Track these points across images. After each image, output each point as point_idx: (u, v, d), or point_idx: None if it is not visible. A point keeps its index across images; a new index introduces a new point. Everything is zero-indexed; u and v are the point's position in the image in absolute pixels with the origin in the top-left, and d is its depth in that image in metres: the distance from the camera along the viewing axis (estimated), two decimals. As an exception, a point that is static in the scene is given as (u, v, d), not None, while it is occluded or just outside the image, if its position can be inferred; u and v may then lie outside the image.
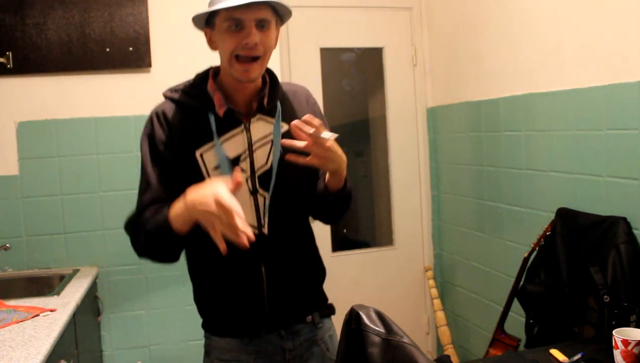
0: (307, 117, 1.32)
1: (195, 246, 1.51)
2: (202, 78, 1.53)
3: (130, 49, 2.86)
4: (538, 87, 2.46)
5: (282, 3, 1.40)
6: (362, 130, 3.59)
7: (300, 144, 1.33)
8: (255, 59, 1.40)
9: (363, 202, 3.58)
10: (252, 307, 1.49)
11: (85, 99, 2.86)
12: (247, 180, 1.46)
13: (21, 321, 1.96)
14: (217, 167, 1.43)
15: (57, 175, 2.83)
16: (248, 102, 1.49)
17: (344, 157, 1.42)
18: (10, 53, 2.73)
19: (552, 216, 2.30)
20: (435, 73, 3.40)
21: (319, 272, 1.62)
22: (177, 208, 1.31)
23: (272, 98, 1.51)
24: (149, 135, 1.47)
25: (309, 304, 1.58)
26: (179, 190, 1.35)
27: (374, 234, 3.66)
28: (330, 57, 3.37)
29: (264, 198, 1.47)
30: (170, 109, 1.48)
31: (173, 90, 1.52)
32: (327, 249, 3.27)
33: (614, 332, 1.61)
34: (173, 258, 1.44)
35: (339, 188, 1.47)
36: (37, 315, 2.02)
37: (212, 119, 1.45)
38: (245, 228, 1.18)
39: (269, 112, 1.49)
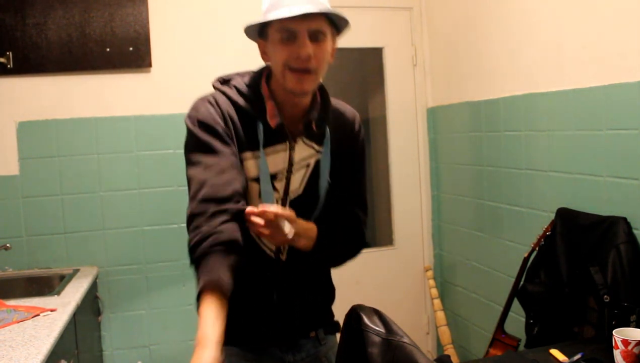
0: (261, 211, 1.23)
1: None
2: (258, 80, 1.42)
3: (131, 49, 2.86)
4: (538, 87, 2.46)
5: (337, 14, 1.32)
6: (362, 130, 3.59)
7: (259, 222, 1.24)
8: (308, 70, 1.32)
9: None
10: (257, 325, 1.47)
11: (86, 99, 2.86)
12: (276, 201, 1.39)
13: (21, 321, 1.96)
14: (255, 180, 1.36)
15: (57, 175, 2.83)
16: (295, 119, 1.41)
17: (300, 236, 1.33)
18: (11, 53, 2.73)
19: (552, 216, 2.30)
20: (435, 73, 3.40)
21: (330, 294, 1.60)
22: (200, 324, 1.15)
23: (322, 123, 1.42)
24: (205, 118, 1.33)
25: (315, 322, 1.55)
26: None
27: (374, 234, 3.66)
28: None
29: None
30: (223, 102, 1.37)
31: (225, 83, 1.42)
32: (327, 249, 3.27)
33: (614, 332, 1.61)
34: None
35: (308, 250, 1.39)
36: (38, 315, 2.02)
37: (260, 128, 1.36)
38: None
39: (314, 137, 1.42)
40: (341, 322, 1.41)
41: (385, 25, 3.40)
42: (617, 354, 1.59)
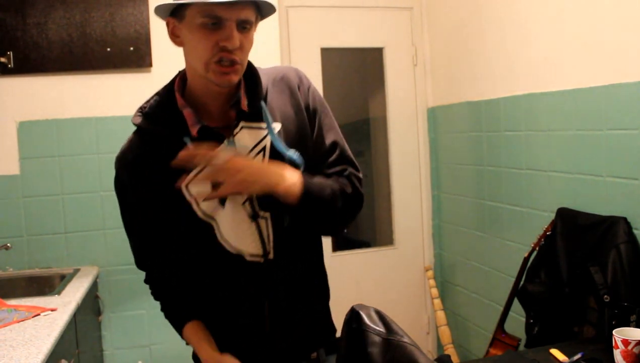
0: (183, 154, 1.16)
1: (190, 280, 1.39)
2: (169, 93, 1.29)
3: (131, 48, 2.86)
4: (538, 87, 2.46)
5: (268, 1, 1.19)
6: (362, 130, 3.59)
7: (205, 192, 1.20)
8: (233, 63, 1.18)
9: (363, 202, 3.57)
10: (251, 347, 1.34)
11: (86, 98, 2.86)
12: (244, 205, 1.26)
13: (22, 320, 1.96)
14: (207, 198, 1.24)
15: (57, 174, 2.84)
16: (224, 109, 1.26)
17: (275, 173, 1.20)
18: (11, 53, 2.74)
19: (553, 216, 2.31)
20: (436, 73, 3.40)
21: (326, 296, 1.45)
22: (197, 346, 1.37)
23: (253, 99, 1.26)
24: (120, 190, 1.40)
25: (315, 338, 1.41)
26: (172, 234, 1.30)
27: (375, 234, 3.66)
28: (331, 57, 3.37)
29: (266, 220, 1.27)
30: (137, 146, 1.29)
31: (139, 113, 1.30)
32: (328, 249, 3.27)
33: (614, 332, 1.61)
34: None
35: (296, 203, 1.22)
36: (38, 314, 2.02)
37: (189, 143, 1.22)
38: None
39: (253, 117, 1.26)
40: (341, 322, 1.35)
41: (386, 25, 3.40)
42: (617, 354, 1.59)
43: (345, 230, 1.51)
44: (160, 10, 1.21)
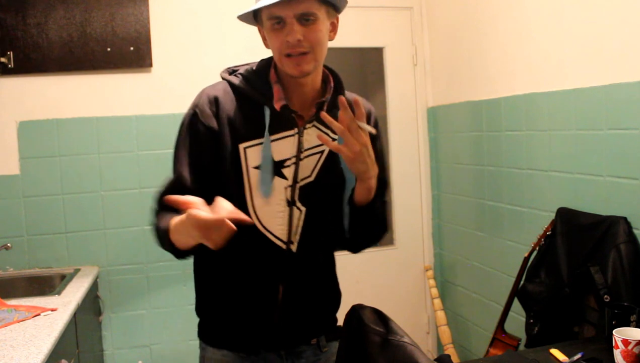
0: (358, 99, 1.25)
1: (209, 254, 1.37)
2: (266, 65, 1.41)
3: (131, 48, 2.86)
4: (539, 86, 2.46)
5: None
6: (362, 130, 3.59)
7: (337, 125, 1.25)
8: (302, 53, 1.30)
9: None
10: (258, 326, 1.41)
11: (87, 98, 2.86)
12: (285, 189, 1.36)
13: (22, 320, 1.96)
14: (257, 167, 1.34)
15: (58, 174, 2.84)
16: (305, 104, 1.39)
17: (375, 166, 1.29)
18: (12, 53, 2.74)
19: (553, 216, 2.31)
20: (436, 73, 3.40)
21: (336, 299, 1.55)
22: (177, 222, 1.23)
23: (333, 108, 1.35)
24: (194, 119, 1.35)
25: (318, 328, 1.50)
26: (215, 184, 1.31)
27: (375, 234, 3.66)
28: (331, 57, 3.36)
29: (301, 212, 1.38)
30: (225, 93, 1.37)
31: (232, 71, 1.42)
32: (328, 249, 3.28)
33: (614, 332, 1.61)
34: (182, 258, 1.35)
35: (366, 202, 1.33)
36: (38, 314, 2.02)
37: (267, 113, 1.35)
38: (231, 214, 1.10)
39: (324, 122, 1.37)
40: (341, 323, 1.39)
41: (386, 25, 3.40)
42: (617, 354, 1.59)
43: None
44: (248, 20, 1.38)
